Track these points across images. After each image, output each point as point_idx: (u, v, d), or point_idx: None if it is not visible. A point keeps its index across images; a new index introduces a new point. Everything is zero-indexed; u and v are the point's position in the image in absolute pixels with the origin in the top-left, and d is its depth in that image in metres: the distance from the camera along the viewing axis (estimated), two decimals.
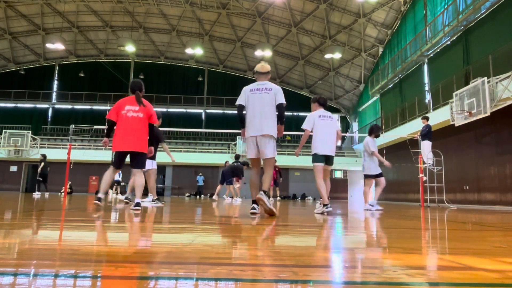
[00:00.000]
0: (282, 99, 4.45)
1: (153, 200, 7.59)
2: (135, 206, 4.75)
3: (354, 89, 27.54)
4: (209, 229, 2.69)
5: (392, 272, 1.26)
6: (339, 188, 26.32)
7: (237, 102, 4.57)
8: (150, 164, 7.29)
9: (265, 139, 4.34)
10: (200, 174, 25.31)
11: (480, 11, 13.32)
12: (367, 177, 7.79)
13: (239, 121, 4.62)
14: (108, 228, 2.60)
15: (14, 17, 26.34)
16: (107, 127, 4.97)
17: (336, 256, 1.60)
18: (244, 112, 4.59)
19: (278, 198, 17.66)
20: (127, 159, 4.91)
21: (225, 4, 24.01)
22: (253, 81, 4.71)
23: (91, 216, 3.58)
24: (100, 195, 4.68)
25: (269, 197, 4.72)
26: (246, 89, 4.61)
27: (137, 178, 4.93)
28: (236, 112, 4.75)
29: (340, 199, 25.58)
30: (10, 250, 1.50)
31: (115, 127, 4.82)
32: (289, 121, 30.95)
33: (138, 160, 4.84)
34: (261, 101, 4.40)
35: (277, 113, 4.47)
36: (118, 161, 4.80)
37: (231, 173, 13.64)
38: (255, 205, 4.31)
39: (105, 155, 22.76)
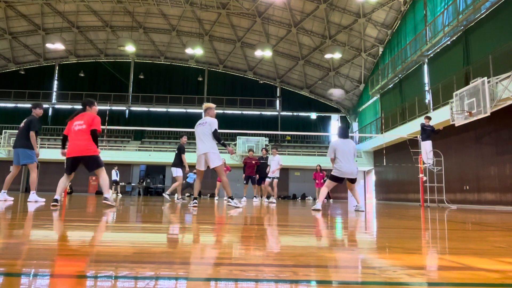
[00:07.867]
0: (214, 127, 6.64)
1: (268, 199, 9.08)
2: (103, 200, 5.57)
3: (354, 89, 27.54)
4: (209, 229, 2.69)
5: (392, 272, 1.26)
6: (339, 188, 26.29)
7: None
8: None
9: (208, 155, 6.41)
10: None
11: (480, 11, 13.32)
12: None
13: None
14: (109, 228, 2.60)
15: (14, 17, 26.32)
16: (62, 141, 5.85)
17: (336, 256, 1.60)
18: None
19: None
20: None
21: (225, 4, 24.00)
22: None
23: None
24: (56, 197, 5.17)
25: (232, 199, 6.65)
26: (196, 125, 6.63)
27: (102, 177, 5.48)
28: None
29: (340, 199, 25.60)
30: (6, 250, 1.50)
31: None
32: (289, 122, 30.98)
33: (91, 162, 5.39)
34: (201, 131, 6.56)
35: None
36: (69, 168, 5.38)
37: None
38: (196, 200, 6.42)
39: (105, 156, 22.75)
